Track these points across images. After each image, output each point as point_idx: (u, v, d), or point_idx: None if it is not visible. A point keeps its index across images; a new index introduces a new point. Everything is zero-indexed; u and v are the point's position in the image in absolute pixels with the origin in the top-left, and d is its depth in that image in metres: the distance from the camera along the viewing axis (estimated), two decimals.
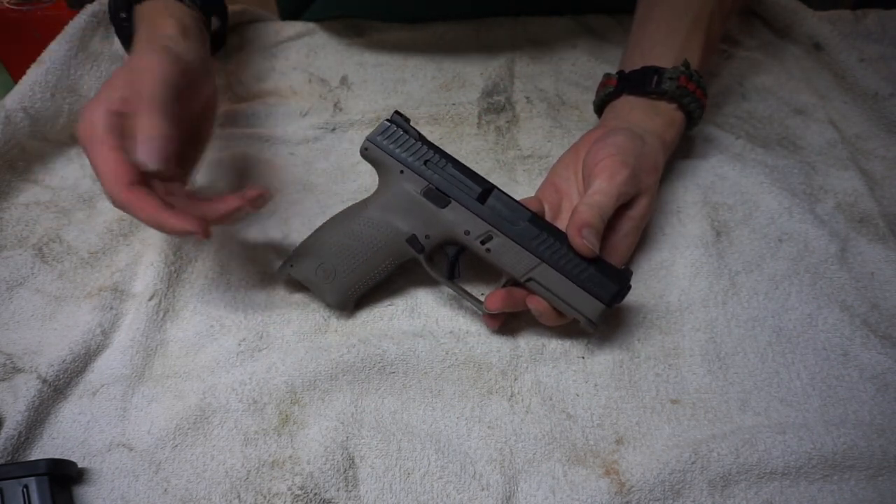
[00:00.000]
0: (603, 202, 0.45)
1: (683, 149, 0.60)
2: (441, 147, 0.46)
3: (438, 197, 0.45)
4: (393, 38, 0.71)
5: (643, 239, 0.53)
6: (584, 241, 0.43)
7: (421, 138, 0.46)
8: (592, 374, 0.46)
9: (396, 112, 0.47)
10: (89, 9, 0.62)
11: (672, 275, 0.52)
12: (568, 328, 0.48)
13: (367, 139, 0.46)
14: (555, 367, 0.47)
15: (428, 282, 0.51)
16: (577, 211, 0.44)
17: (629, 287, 0.44)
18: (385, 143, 0.46)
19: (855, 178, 0.58)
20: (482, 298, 0.47)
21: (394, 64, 0.69)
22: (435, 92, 0.67)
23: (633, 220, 0.48)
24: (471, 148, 0.61)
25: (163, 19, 0.50)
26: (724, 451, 0.41)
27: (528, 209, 0.45)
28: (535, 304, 0.45)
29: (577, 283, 0.43)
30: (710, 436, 0.43)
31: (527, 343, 0.48)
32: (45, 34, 0.61)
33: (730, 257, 0.53)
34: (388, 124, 0.46)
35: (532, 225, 0.44)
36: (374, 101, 0.66)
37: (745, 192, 0.57)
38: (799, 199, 0.56)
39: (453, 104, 0.65)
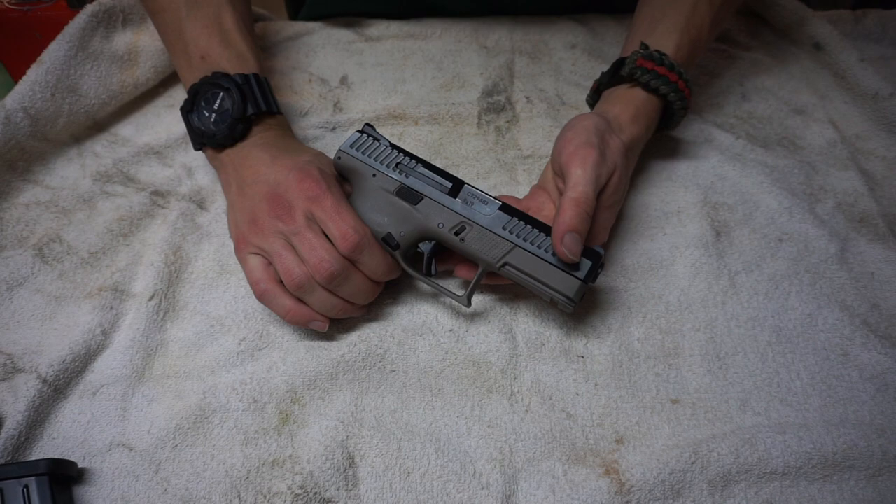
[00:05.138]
0: (587, 193, 0.44)
1: (683, 149, 0.60)
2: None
3: (411, 194, 0.48)
4: (393, 38, 0.71)
5: (643, 239, 0.53)
6: (564, 250, 0.43)
7: (391, 145, 0.49)
8: (592, 373, 0.46)
9: (367, 124, 0.50)
10: (89, 9, 0.62)
11: (672, 275, 0.52)
12: (568, 327, 0.48)
13: (340, 149, 0.49)
14: (554, 366, 0.47)
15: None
16: (563, 210, 0.44)
17: (602, 265, 0.45)
18: (356, 151, 0.49)
19: (855, 178, 0.58)
20: (459, 293, 0.48)
21: (394, 64, 0.69)
22: (435, 92, 0.67)
23: (607, 195, 0.48)
24: (471, 148, 0.61)
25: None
26: (724, 451, 0.41)
27: (497, 199, 0.47)
28: None
29: (550, 262, 0.45)
30: (710, 436, 0.43)
31: (526, 342, 0.48)
32: (46, 34, 0.61)
33: (730, 257, 0.53)
34: (359, 135, 0.49)
35: (503, 212, 0.46)
36: (374, 100, 0.66)
37: (745, 192, 0.57)
38: (799, 199, 0.56)
39: (453, 104, 0.65)
